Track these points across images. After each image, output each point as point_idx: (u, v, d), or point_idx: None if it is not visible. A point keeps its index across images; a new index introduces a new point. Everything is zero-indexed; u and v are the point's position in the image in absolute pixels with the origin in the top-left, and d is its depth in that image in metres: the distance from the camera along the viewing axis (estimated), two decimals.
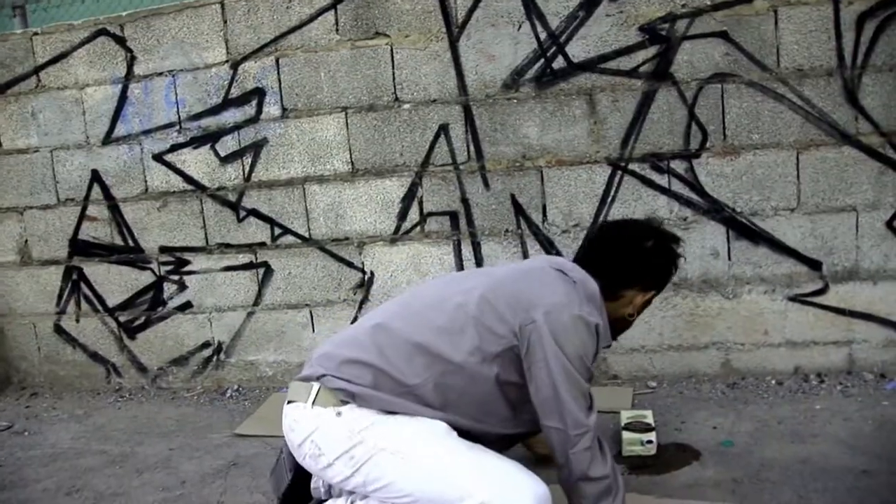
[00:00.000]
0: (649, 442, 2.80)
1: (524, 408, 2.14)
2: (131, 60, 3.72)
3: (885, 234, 3.20)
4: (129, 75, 3.73)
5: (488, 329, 2.08)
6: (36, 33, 3.82)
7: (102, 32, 3.72)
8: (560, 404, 2.04)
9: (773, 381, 3.33)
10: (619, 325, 2.28)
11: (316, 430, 2.08)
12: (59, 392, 4.09)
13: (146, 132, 3.77)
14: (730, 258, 3.33)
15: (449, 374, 2.08)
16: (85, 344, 4.04)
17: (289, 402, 2.19)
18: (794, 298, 3.30)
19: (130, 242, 3.88)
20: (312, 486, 2.38)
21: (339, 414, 2.07)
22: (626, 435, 2.84)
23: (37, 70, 3.84)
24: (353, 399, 2.08)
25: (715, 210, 3.31)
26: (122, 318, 3.97)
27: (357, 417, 2.06)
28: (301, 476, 2.35)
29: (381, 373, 2.09)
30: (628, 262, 2.24)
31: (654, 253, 2.27)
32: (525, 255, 3.46)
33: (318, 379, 2.13)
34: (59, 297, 4.02)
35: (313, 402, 2.10)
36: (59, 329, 4.06)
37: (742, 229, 3.30)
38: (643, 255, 2.26)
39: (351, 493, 2.18)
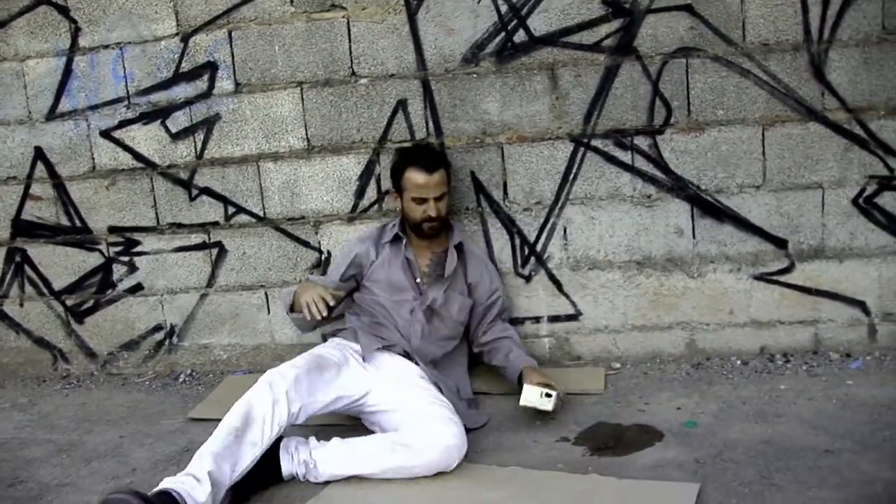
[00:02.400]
0: (548, 395, 2.74)
1: None
2: (76, 32, 3.57)
3: (850, 211, 3.18)
4: (73, 47, 3.59)
5: None
6: None
7: (44, 1, 3.56)
8: None
9: (739, 362, 3.31)
10: (412, 225, 3.07)
11: None
12: (2, 380, 3.95)
13: (93, 107, 3.63)
14: (694, 236, 3.29)
15: None
16: (29, 329, 3.90)
17: None
18: (759, 277, 3.28)
19: (77, 222, 3.75)
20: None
21: None
22: (527, 386, 2.79)
23: None
24: None
25: (679, 187, 3.27)
26: (69, 302, 3.84)
27: None
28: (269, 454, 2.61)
29: None
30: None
31: (394, 157, 3.18)
32: (486, 234, 3.41)
33: None
34: (2, 280, 3.87)
35: None
36: (0, 314, 3.92)
37: (707, 207, 3.26)
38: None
39: None
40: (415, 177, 3.01)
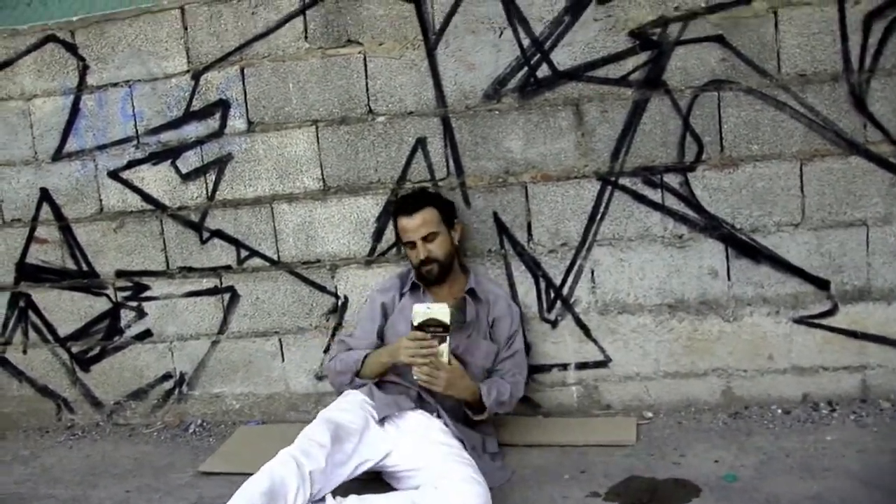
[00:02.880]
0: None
1: None
2: (84, 70, 3.52)
3: None
4: (81, 86, 3.54)
5: None
6: None
7: (51, 39, 3.53)
8: None
9: (780, 410, 3.17)
10: (415, 272, 3.10)
11: None
12: (3, 431, 3.85)
13: (100, 147, 3.57)
14: (729, 278, 3.18)
15: None
16: (33, 377, 3.82)
17: None
18: (800, 320, 3.16)
19: (84, 266, 3.67)
20: None
21: None
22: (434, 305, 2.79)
23: None
24: None
25: (713, 226, 3.16)
26: (74, 349, 3.76)
27: None
28: None
29: None
30: None
31: None
32: (510, 277, 3.31)
33: None
34: (4, 326, 3.80)
35: None
36: (3, 361, 3.83)
37: (742, 247, 3.15)
38: None
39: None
40: (400, 223, 3.06)
